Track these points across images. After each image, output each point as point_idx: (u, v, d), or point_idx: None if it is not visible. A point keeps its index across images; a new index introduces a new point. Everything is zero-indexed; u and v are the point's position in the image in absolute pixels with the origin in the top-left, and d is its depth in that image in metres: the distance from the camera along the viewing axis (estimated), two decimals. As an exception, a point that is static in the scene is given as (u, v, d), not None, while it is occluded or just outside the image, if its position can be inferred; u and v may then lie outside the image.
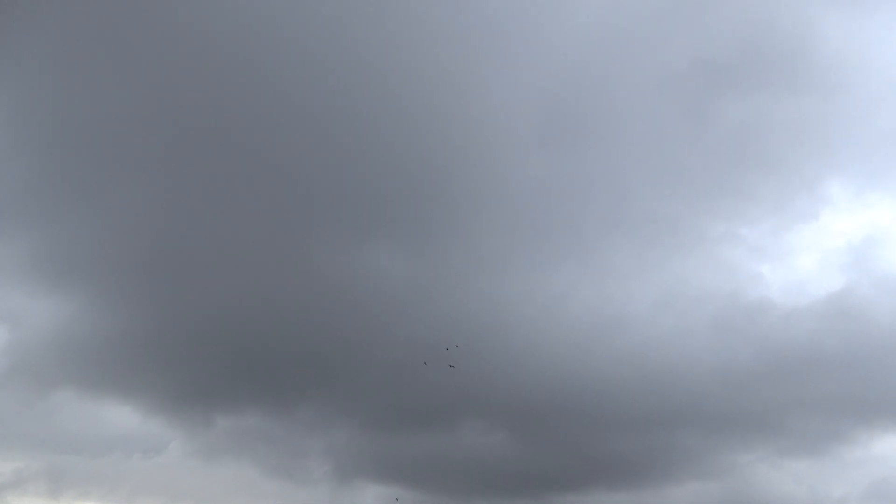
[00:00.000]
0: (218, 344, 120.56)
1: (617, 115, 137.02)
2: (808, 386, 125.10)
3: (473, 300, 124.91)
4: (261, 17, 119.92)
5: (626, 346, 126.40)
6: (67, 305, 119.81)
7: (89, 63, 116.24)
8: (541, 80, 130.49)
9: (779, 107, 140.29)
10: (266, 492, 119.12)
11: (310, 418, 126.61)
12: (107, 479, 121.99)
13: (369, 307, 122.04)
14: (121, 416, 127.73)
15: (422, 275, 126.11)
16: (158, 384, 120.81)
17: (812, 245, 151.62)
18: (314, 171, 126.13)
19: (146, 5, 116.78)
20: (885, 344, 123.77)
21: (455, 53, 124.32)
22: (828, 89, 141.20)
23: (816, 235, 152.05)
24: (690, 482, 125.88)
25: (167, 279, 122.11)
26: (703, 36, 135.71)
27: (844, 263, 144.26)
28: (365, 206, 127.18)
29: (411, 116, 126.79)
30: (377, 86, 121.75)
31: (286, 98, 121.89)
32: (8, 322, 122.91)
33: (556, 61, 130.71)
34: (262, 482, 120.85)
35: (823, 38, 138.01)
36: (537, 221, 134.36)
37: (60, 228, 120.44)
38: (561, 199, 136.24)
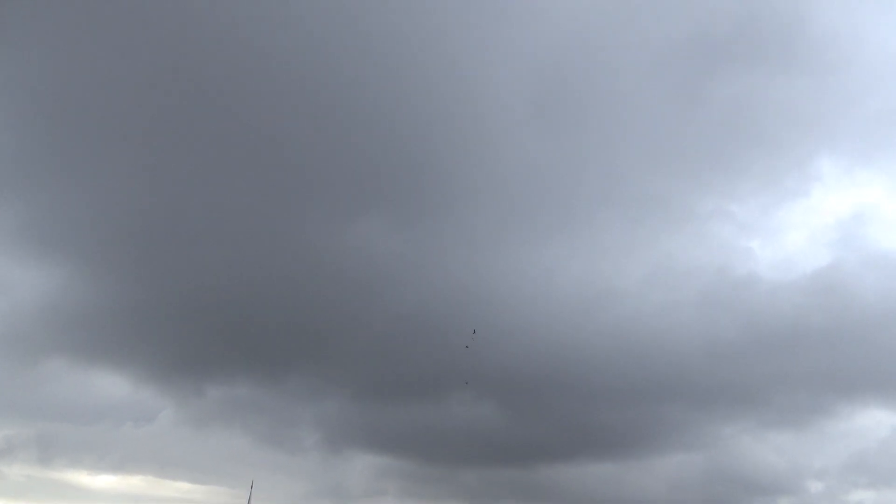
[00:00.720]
0: (209, 314, 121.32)
1: (611, 92, 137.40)
2: (792, 360, 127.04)
3: (465, 274, 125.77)
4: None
5: (614, 319, 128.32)
6: (58, 274, 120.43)
7: (78, 33, 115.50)
8: (535, 57, 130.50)
9: (772, 85, 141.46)
10: (256, 460, 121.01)
11: (300, 388, 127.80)
12: (97, 448, 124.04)
13: (361, 280, 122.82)
14: (111, 385, 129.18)
15: (414, 249, 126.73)
16: (149, 353, 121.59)
17: (801, 222, 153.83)
18: (308, 144, 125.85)
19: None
20: (870, 320, 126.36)
21: (450, 30, 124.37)
22: (821, 69, 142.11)
23: (806, 212, 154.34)
24: (675, 453, 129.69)
25: (159, 249, 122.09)
26: (697, 13, 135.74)
27: (832, 240, 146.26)
28: (358, 181, 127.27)
29: (406, 93, 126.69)
30: (372, 62, 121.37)
31: (280, 71, 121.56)
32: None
33: (551, 39, 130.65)
34: (253, 451, 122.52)
35: (817, 17, 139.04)
36: (529, 197, 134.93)
37: (51, 197, 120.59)
38: (553, 175, 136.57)
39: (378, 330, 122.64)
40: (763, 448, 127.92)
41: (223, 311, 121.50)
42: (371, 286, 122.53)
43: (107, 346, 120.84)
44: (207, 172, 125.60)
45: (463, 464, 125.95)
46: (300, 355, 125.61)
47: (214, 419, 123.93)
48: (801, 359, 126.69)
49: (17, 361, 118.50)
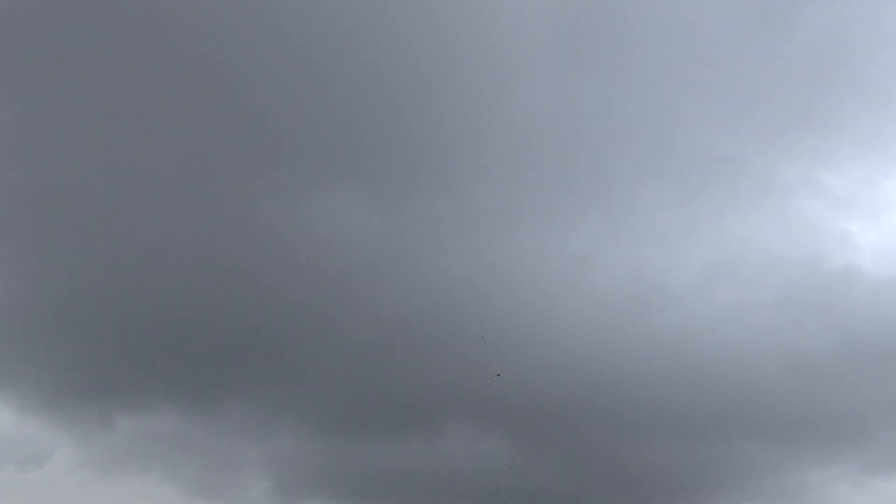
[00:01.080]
0: (121, 320, 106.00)
1: (657, 22, 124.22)
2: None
3: (467, 266, 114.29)
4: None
5: (665, 327, 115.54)
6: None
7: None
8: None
9: (882, 15, 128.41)
10: None
11: (244, 420, 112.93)
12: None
13: (329, 273, 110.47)
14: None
15: (400, 232, 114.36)
16: (40, 374, 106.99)
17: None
18: (260, 92, 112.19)
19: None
20: None
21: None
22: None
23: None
24: None
25: (51, 232, 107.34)
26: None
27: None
28: (327, 141, 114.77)
29: (391, 29, 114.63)
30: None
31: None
32: None
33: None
34: (180, 502, 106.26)
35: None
36: (552, 165, 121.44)
37: None
38: (584, 136, 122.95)
39: (350, 340, 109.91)
40: (865, 499, 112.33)
41: (141, 316, 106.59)
42: (342, 282, 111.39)
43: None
44: (120, 129, 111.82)
45: None
46: (244, 375, 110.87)
47: (127, 460, 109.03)
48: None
49: None
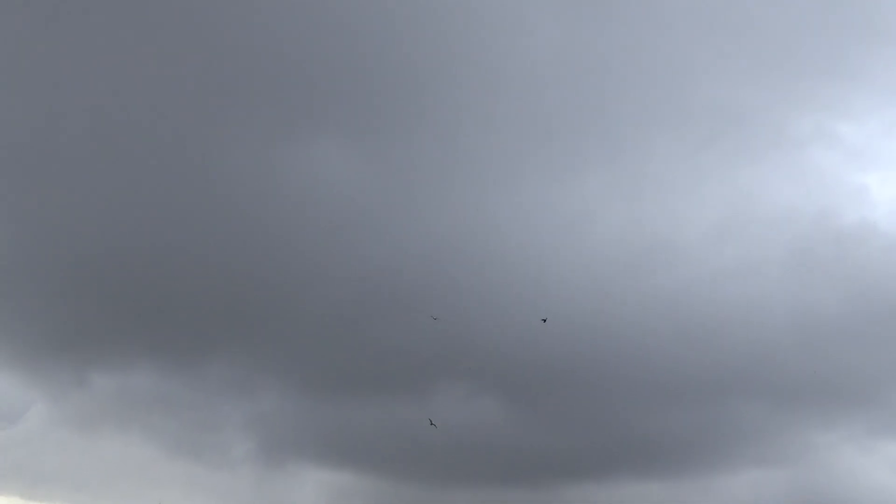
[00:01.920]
0: (96, 275, 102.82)
1: None
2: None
3: (459, 220, 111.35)
4: None
5: (670, 285, 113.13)
6: None
7: None
8: None
9: None
10: (164, 477, 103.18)
11: (225, 378, 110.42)
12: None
13: (312, 226, 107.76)
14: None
15: (387, 183, 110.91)
16: (11, 328, 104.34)
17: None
18: (238, 37, 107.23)
19: None
20: None
21: None
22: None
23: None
24: (750, 470, 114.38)
25: (27, 186, 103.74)
26: None
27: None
28: (307, 85, 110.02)
29: None
30: None
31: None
32: None
33: None
34: (160, 463, 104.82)
35: None
36: (553, 114, 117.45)
37: None
38: (587, 84, 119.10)
39: (335, 297, 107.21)
40: (871, 463, 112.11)
41: (116, 270, 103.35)
42: (326, 235, 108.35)
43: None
44: (95, 75, 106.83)
45: (454, 482, 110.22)
46: (225, 332, 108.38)
47: (104, 419, 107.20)
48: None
49: None
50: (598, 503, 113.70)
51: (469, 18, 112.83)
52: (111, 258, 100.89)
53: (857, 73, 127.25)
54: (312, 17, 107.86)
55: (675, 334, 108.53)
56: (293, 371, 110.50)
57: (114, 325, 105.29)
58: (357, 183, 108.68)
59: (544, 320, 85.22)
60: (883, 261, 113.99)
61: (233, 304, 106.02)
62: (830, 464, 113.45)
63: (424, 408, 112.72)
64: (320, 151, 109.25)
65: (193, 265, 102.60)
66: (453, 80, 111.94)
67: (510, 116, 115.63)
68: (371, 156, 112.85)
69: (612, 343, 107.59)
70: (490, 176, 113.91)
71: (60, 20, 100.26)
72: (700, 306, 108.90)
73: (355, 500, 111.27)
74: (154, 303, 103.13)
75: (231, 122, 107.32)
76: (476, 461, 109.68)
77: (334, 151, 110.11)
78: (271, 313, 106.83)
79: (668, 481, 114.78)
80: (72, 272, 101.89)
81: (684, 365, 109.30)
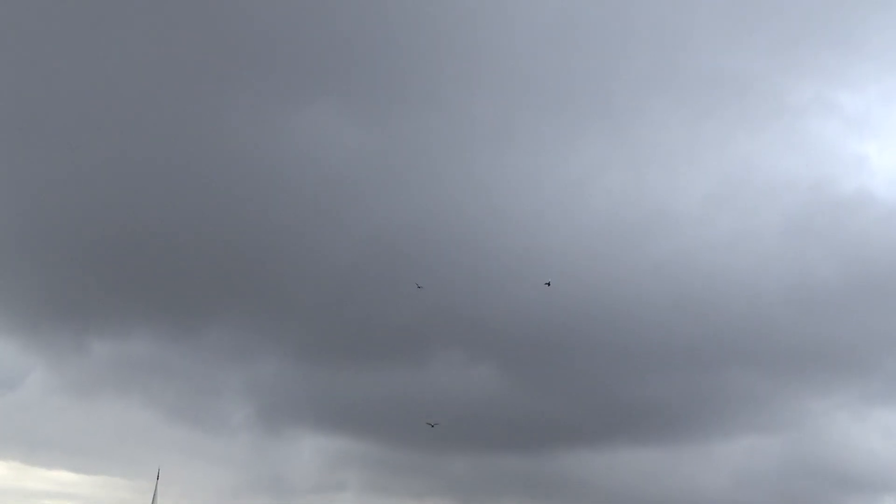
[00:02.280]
0: (95, 241, 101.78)
1: None
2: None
3: (457, 187, 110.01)
4: None
5: (666, 253, 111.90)
6: None
7: None
8: None
9: None
10: (164, 442, 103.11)
11: (224, 344, 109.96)
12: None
13: (309, 192, 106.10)
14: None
15: (386, 150, 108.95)
16: (11, 295, 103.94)
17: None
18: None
19: None
20: None
21: None
22: None
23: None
24: (744, 436, 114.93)
25: (26, 152, 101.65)
26: None
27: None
28: (309, 50, 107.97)
29: None
30: None
31: None
32: None
33: None
34: (158, 429, 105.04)
35: None
36: (549, 81, 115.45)
37: None
38: (583, 50, 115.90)
39: (333, 264, 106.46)
40: (864, 430, 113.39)
41: (116, 236, 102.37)
42: (326, 202, 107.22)
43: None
44: (94, 42, 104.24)
45: (451, 449, 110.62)
46: (224, 298, 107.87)
47: (103, 385, 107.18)
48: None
49: None
50: (595, 469, 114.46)
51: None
52: (110, 224, 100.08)
53: (857, 40, 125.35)
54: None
55: (671, 302, 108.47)
56: (292, 337, 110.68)
57: (113, 291, 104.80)
58: (356, 147, 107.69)
59: (548, 283, 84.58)
60: (880, 229, 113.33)
61: (232, 270, 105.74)
62: (825, 430, 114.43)
63: (422, 374, 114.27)
64: (321, 114, 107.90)
65: (192, 231, 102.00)
66: (449, 45, 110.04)
67: (506, 83, 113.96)
68: (369, 121, 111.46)
69: (608, 311, 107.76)
70: (486, 145, 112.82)
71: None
72: (696, 274, 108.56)
73: (352, 466, 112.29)
74: (153, 269, 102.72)
75: (230, 86, 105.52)
76: (473, 428, 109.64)
77: (334, 120, 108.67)
78: (270, 279, 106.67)
79: (664, 447, 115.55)
80: (70, 238, 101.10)
81: (680, 332, 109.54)
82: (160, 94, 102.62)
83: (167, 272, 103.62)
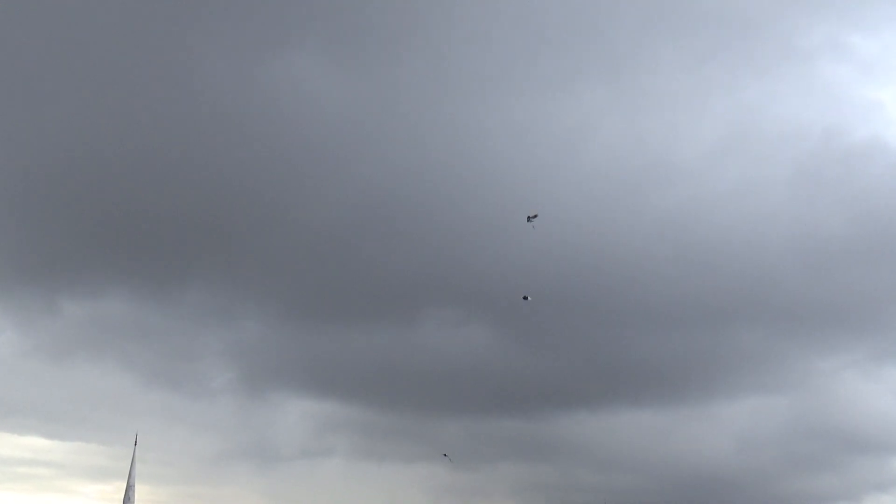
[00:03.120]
0: (65, 196, 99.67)
1: None
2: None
3: (446, 137, 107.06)
4: None
5: (667, 205, 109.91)
6: None
7: None
8: None
9: None
10: (141, 407, 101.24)
11: (203, 304, 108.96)
12: None
13: (292, 144, 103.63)
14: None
15: (367, 96, 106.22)
16: None
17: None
18: None
19: None
20: None
21: None
22: None
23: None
24: (748, 397, 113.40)
25: None
26: None
27: None
28: None
29: None
30: None
31: None
32: None
33: None
34: (137, 394, 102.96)
35: None
36: (544, 23, 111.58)
37: None
38: None
39: (317, 218, 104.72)
40: (875, 389, 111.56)
41: (86, 189, 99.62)
42: (307, 155, 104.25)
43: None
44: None
45: (443, 412, 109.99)
46: (204, 256, 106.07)
47: (76, 348, 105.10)
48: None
49: None
50: (593, 432, 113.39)
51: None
52: (81, 177, 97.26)
53: None
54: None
55: (673, 256, 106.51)
56: (275, 297, 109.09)
57: (85, 248, 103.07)
58: (343, 96, 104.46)
59: (526, 298, 79.96)
60: (892, 179, 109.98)
61: (211, 226, 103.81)
62: (832, 390, 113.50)
63: (412, 334, 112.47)
64: (305, 62, 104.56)
65: (170, 185, 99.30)
66: None
67: (501, 27, 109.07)
68: (359, 70, 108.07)
69: (607, 266, 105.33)
70: (482, 88, 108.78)
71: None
72: (700, 227, 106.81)
73: (340, 431, 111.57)
74: (128, 224, 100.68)
75: (213, 33, 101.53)
76: (466, 390, 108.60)
77: (320, 62, 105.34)
78: (252, 236, 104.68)
79: (665, 409, 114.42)
80: (39, 192, 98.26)
81: (682, 288, 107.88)
82: (140, 41, 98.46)
83: (142, 228, 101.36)
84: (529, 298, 77.28)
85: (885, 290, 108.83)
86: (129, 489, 60.04)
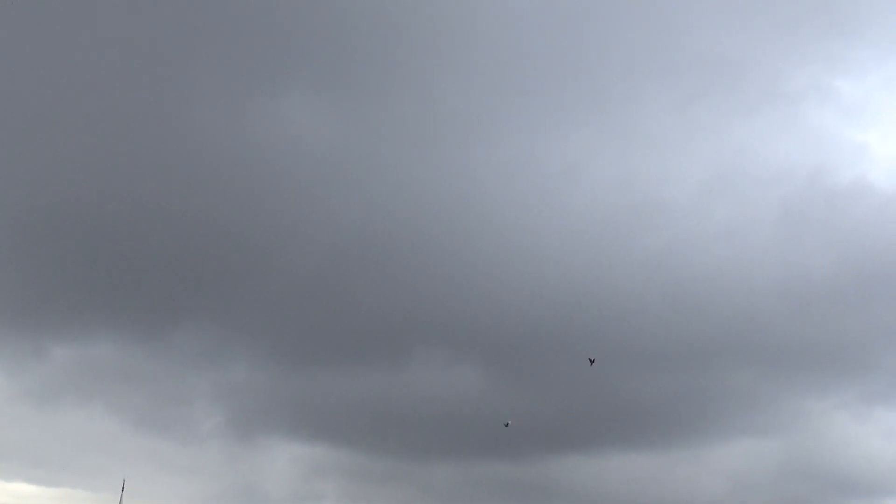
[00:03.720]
0: (53, 239, 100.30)
1: None
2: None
3: (438, 178, 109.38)
4: None
5: (657, 246, 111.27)
6: None
7: None
8: None
9: None
10: (129, 451, 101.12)
11: (192, 347, 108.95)
12: None
13: (281, 186, 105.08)
14: None
15: (358, 139, 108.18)
16: None
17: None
18: None
19: None
20: None
21: None
22: None
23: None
24: (740, 439, 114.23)
25: None
26: None
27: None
28: (278, 35, 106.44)
29: None
30: None
31: None
32: None
33: None
34: (123, 438, 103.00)
35: None
36: (535, 65, 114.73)
37: None
38: (571, 32, 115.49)
39: (306, 261, 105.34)
40: (865, 431, 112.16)
41: (75, 232, 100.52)
42: (298, 196, 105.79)
43: None
44: (59, 22, 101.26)
45: (433, 455, 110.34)
46: (192, 299, 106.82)
47: (64, 392, 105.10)
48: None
49: None
50: (585, 475, 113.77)
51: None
52: (70, 221, 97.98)
53: (856, 25, 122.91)
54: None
55: (661, 297, 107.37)
56: (264, 339, 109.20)
57: (73, 292, 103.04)
58: (330, 139, 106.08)
59: (507, 425, 79.33)
60: (877, 222, 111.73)
61: (199, 268, 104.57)
62: (823, 432, 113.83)
63: (401, 376, 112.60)
64: (293, 106, 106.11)
65: (158, 229, 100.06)
66: (430, 28, 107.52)
67: (491, 67, 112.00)
68: (346, 110, 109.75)
69: (596, 306, 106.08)
70: (470, 130, 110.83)
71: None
72: (688, 268, 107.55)
73: (330, 474, 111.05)
74: (116, 268, 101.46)
75: (202, 78, 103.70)
76: (457, 432, 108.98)
77: (307, 106, 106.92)
78: (240, 278, 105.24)
79: (657, 451, 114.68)
80: (27, 237, 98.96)
81: (672, 329, 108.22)
82: (123, 87, 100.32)
83: (131, 272, 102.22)
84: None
85: (872, 331, 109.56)
86: (117, 536, 60.60)
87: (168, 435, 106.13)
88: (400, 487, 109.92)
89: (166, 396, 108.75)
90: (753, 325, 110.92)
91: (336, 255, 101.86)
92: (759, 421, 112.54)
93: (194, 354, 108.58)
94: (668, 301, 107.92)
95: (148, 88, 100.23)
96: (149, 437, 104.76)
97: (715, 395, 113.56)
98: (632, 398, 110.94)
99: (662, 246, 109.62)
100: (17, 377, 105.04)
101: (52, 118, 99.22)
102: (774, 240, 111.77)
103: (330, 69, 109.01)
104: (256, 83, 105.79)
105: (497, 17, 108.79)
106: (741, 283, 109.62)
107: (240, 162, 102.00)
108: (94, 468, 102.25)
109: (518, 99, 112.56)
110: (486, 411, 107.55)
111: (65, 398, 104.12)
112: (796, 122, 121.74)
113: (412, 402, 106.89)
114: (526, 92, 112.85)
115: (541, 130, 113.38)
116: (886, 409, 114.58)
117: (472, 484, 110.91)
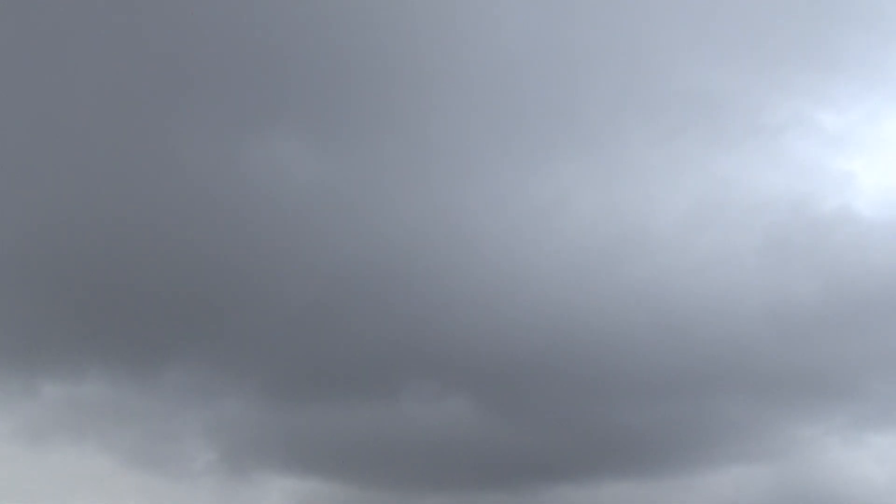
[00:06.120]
0: (42, 275, 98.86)
1: None
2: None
3: (420, 214, 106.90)
4: None
5: (643, 276, 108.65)
6: None
7: None
8: None
9: None
10: (122, 489, 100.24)
11: (185, 384, 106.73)
12: None
13: (272, 223, 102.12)
14: None
15: (344, 179, 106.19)
16: None
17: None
18: (183, 21, 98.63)
19: None
20: None
21: None
22: None
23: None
24: (731, 466, 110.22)
25: None
26: None
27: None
28: (259, 76, 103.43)
29: None
30: None
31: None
32: None
33: None
34: (116, 475, 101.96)
35: None
36: (516, 101, 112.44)
37: None
38: (555, 67, 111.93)
39: (297, 296, 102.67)
40: (857, 456, 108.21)
41: (65, 269, 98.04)
42: (284, 235, 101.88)
43: None
44: (51, 62, 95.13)
45: (427, 486, 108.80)
46: (183, 335, 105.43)
47: (55, 431, 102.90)
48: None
49: None
50: None
51: (436, 7, 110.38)
52: (59, 257, 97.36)
53: (837, 55, 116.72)
54: (277, 10, 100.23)
55: (650, 326, 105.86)
56: (256, 374, 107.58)
57: (63, 329, 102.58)
58: (322, 174, 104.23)
59: None
60: (863, 248, 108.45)
61: (190, 305, 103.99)
62: (815, 458, 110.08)
63: (394, 408, 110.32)
64: (284, 143, 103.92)
65: (148, 265, 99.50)
66: (411, 73, 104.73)
67: (478, 104, 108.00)
68: (336, 147, 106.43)
69: (583, 337, 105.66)
70: (461, 165, 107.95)
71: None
72: (675, 296, 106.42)
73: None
74: (106, 305, 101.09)
75: (192, 114, 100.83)
76: (449, 463, 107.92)
77: (299, 140, 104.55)
78: (231, 314, 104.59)
79: (648, 480, 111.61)
80: (15, 273, 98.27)
81: (660, 358, 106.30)
82: (106, 123, 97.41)
83: (122, 308, 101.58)
84: None
85: (860, 356, 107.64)
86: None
87: (161, 471, 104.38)
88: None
89: (158, 433, 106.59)
90: (741, 352, 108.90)
91: (328, 288, 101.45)
92: (749, 447, 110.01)
93: (186, 390, 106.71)
94: (656, 329, 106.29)
95: (139, 126, 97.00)
96: (141, 475, 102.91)
97: (706, 422, 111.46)
98: (621, 426, 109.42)
99: (650, 274, 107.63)
100: (7, 416, 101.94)
101: (37, 153, 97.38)
102: (760, 268, 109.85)
103: (323, 105, 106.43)
104: (250, 118, 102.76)
105: (484, 56, 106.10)
106: (727, 310, 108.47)
107: (230, 198, 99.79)
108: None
109: (508, 135, 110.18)
110: (476, 442, 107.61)
111: (56, 436, 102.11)
112: (780, 152, 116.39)
113: (405, 433, 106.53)
114: (516, 128, 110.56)
115: (530, 165, 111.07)
116: (877, 433, 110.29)
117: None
